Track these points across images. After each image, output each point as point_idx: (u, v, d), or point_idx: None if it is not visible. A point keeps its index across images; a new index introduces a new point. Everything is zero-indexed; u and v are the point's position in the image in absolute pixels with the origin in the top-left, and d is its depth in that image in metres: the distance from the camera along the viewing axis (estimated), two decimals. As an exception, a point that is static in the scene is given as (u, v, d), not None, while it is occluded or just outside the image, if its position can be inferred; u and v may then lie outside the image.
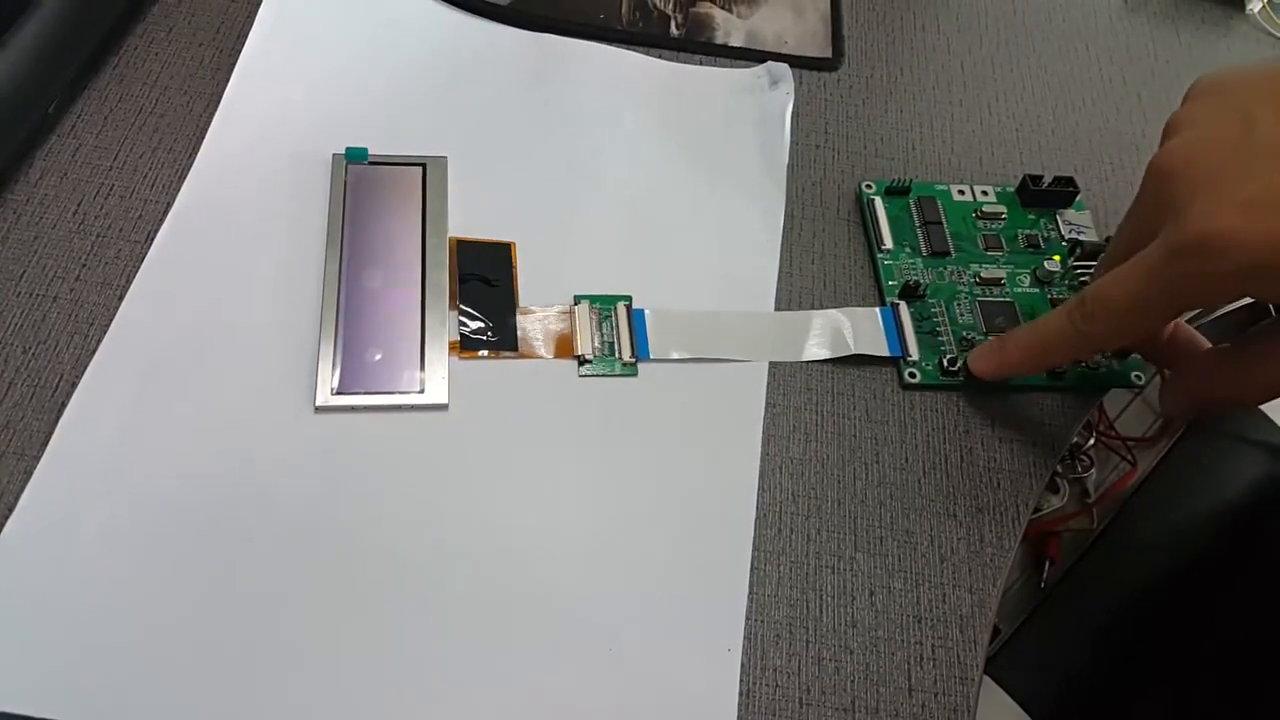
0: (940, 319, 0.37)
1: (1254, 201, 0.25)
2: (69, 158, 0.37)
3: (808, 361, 0.36)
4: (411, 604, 0.30)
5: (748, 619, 0.31)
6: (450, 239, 0.36)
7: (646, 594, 0.31)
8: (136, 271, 0.34)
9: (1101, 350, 0.36)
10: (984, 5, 0.48)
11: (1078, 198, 0.40)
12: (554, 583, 0.31)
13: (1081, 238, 0.39)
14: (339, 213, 0.36)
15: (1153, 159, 0.29)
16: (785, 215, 0.39)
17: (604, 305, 0.35)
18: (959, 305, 0.37)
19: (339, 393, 0.32)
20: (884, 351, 0.36)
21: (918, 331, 0.36)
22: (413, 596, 0.30)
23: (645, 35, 0.43)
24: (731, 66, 0.43)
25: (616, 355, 0.34)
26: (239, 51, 0.39)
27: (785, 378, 0.35)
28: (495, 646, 0.29)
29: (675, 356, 0.35)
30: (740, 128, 0.41)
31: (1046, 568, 0.44)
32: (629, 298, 0.36)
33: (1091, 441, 0.46)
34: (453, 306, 0.35)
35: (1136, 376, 0.37)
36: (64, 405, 0.32)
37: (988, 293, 0.37)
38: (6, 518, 0.30)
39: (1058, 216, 0.40)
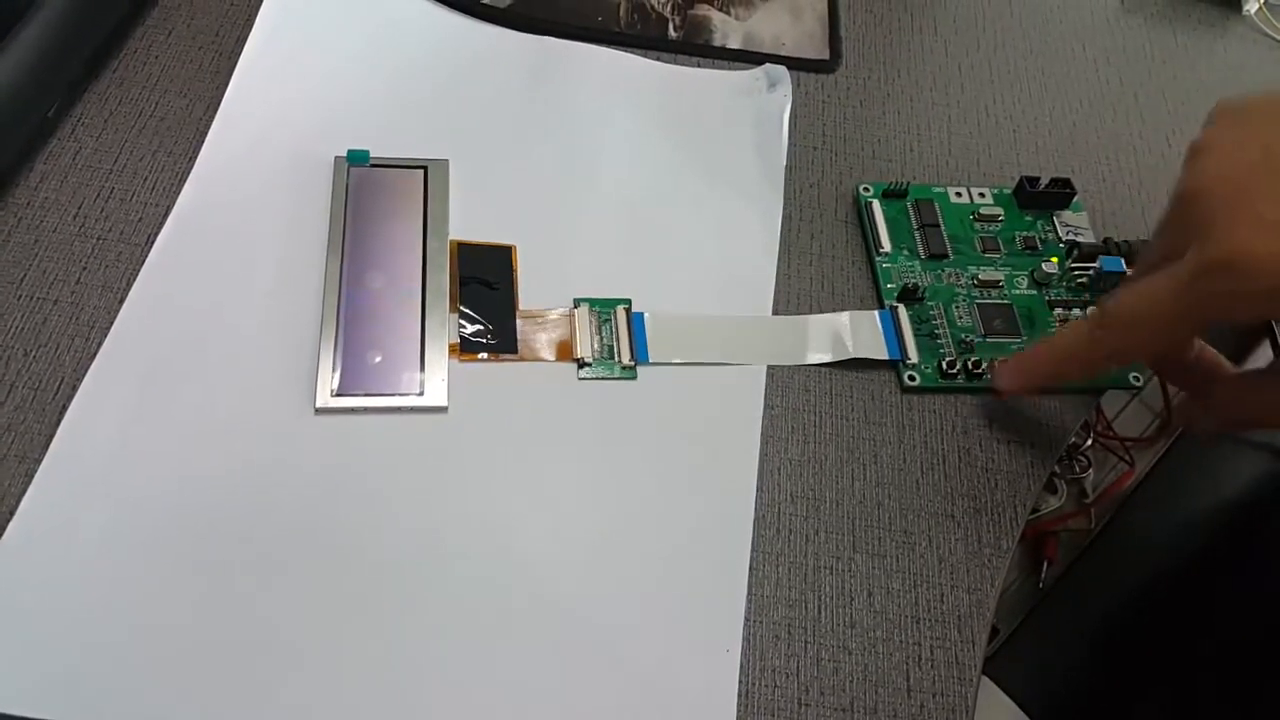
0: (939, 321, 0.37)
1: None
2: (69, 161, 0.37)
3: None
4: (410, 605, 0.30)
5: (746, 620, 0.31)
6: (451, 242, 0.36)
7: (645, 595, 0.31)
8: (137, 274, 0.34)
9: (1119, 364, 0.36)
10: (981, 7, 0.48)
11: (1075, 199, 0.40)
12: (553, 584, 0.31)
13: (1079, 239, 0.39)
14: (340, 215, 0.36)
15: (1179, 181, 0.29)
16: (783, 217, 0.39)
17: (603, 309, 0.36)
18: (957, 307, 0.37)
19: (339, 394, 0.33)
20: (883, 355, 0.36)
21: (916, 334, 0.36)
22: (412, 597, 0.30)
23: (643, 37, 0.43)
24: (729, 69, 0.43)
25: (616, 358, 0.35)
26: (239, 54, 0.39)
27: (784, 379, 0.35)
28: (494, 648, 0.30)
29: (674, 360, 0.35)
30: (738, 130, 0.41)
31: (1045, 568, 0.44)
32: (628, 301, 0.36)
33: (1089, 442, 0.46)
34: (453, 309, 0.35)
35: (1134, 378, 0.37)
36: (65, 408, 0.32)
37: (986, 295, 0.38)
38: (8, 521, 0.30)
39: (1055, 218, 0.40)
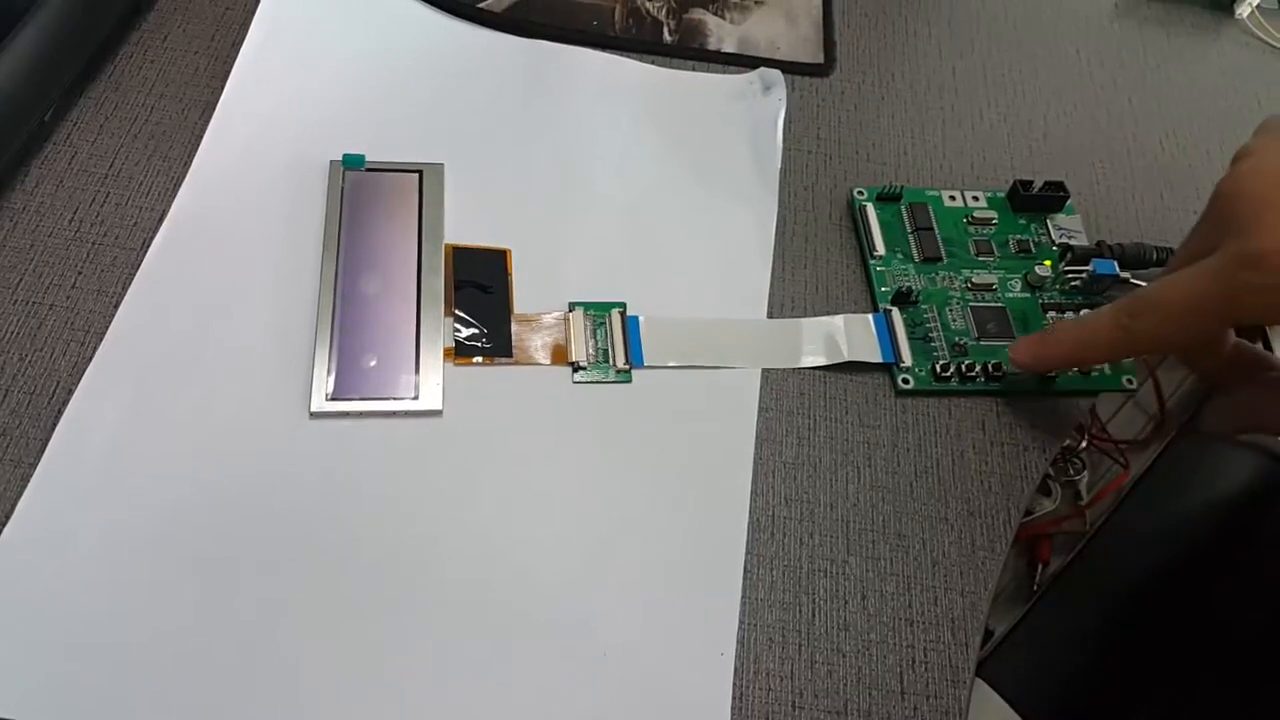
0: (933, 325, 0.37)
1: None
2: (65, 165, 0.37)
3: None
4: (405, 608, 0.30)
5: (741, 623, 0.31)
6: (446, 245, 0.36)
7: (640, 599, 0.31)
8: (132, 279, 0.34)
9: (1143, 353, 0.36)
10: (975, 10, 0.48)
11: (1068, 202, 0.40)
12: (547, 587, 0.31)
13: (1072, 242, 0.39)
14: (336, 219, 0.36)
15: (1221, 182, 0.30)
16: (778, 221, 0.39)
17: (598, 312, 0.36)
18: (951, 311, 0.37)
19: (334, 398, 0.33)
20: (877, 358, 0.36)
21: (910, 337, 0.36)
22: (406, 601, 0.30)
23: (638, 41, 0.44)
24: (724, 72, 0.43)
25: (610, 362, 0.35)
26: (235, 59, 0.39)
27: (778, 382, 0.36)
28: (489, 651, 0.30)
29: (669, 364, 0.35)
30: (733, 133, 0.41)
31: (1039, 570, 0.44)
32: (623, 305, 0.36)
33: (1084, 444, 0.46)
34: (448, 313, 0.35)
35: (1128, 381, 0.37)
36: (60, 413, 0.32)
37: (979, 298, 0.38)
38: (3, 525, 0.30)
39: (1048, 221, 0.40)
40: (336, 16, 0.42)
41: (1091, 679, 0.40)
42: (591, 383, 0.34)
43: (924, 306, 0.37)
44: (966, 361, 0.36)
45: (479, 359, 0.34)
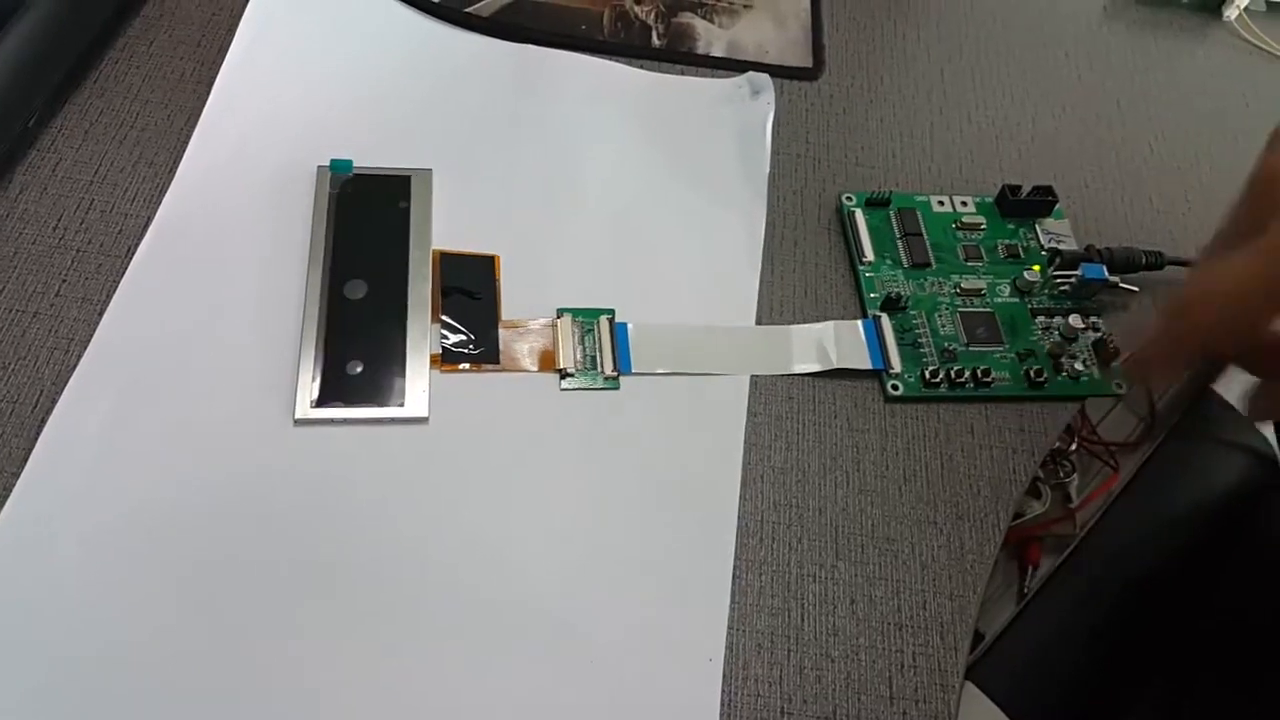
0: (922, 330, 0.37)
1: None
2: (49, 172, 0.37)
3: (789, 372, 0.36)
4: (392, 616, 0.30)
5: (729, 628, 0.31)
6: (433, 251, 0.36)
7: (628, 605, 0.31)
8: (117, 286, 0.34)
9: (1194, 349, 0.33)
10: (964, 14, 0.48)
11: (1056, 206, 0.40)
12: (535, 594, 0.31)
13: (1061, 246, 0.39)
14: (322, 225, 0.36)
15: (1257, 165, 0.29)
16: (766, 226, 0.39)
17: (586, 319, 0.35)
18: (940, 316, 0.37)
19: (319, 405, 0.32)
20: (867, 365, 0.36)
21: (900, 343, 0.36)
22: (393, 609, 0.30)
23: (627, 46, 0.43)
24: (713, 76, 0.43)
25: (599, 369, 0.35)
26: (220, 64, 0.39)
27: (767, 387, 0.36)
28: (477, 659, 0.29)
29: (657, 370, 0.35)
30: (721, 138, 0.41)
31: (1029, 573, 0.44)
32: (611, 311, 0.36)
33: (1074, 447, 0.46)
34: (435, 319, 0.35)
35: (1117, 385, 0.37)
36: (44, 421, 0.31)
37: (969, 303, 0.38)
38: (-13, 535, 0.30)
39: (1037, 226, 0.40)
40: (323, 21, 0.41)
41: (1083, 681, 0.40)
42: (579, 389, 0.34)
43: (913, 312, 0.37)
44: (956, 367, 0.36)
45: (466, 366, 0.34)
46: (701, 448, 0.34)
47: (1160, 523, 0.44)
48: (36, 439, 0.31)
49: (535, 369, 0.34)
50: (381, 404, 0.33)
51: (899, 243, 0.39)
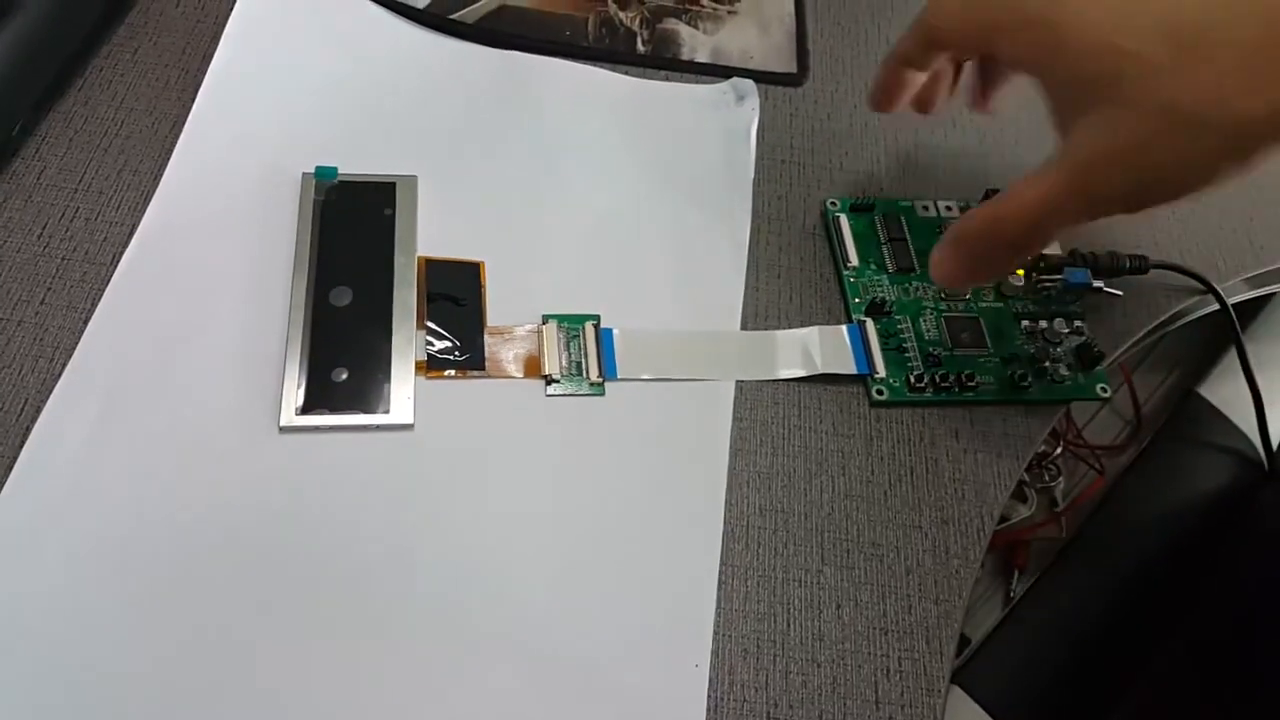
0: (906, 335, 0.37)
1: None
2: (33, 180, 0.37)
3: (775, 377, 0.36)
4: (377, 623, 0.30)
5: (715, 634, 0.31)
6: (419, 258, 0.36)
7: (613, 611, 0.31)
8: (102, 294, 0.34)
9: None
10: (948, 20, 0.48)
11: (1040, 211, 0.40)
12: (520, 601, 0.31)
13: (1045, 251, 0.39)
14: (308, 232, 0.36)
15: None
16: (751, 231, 0.39)
17: (572, 324, 0.36)
18: (924, 321, 0.37)
19: (304, 412, 0.32)
20: (851, 370, 0.36)
21: (884, 348, 0.36)
22: (378, 616, 0.30)
23: (612, 52, 0.44)
24: (697, 82, 0.43)
25: (584, 374, 0.35)
26: (205, 72, 0.39)
27: (752, 392, 0.36)
28: (462, 665, 0.29)
29: (643, 376, 0.35)
30: (706, 143, 0.41)
31: (1015, 577, 0.44)
32: (597, 317, 0.36)
33: (1059, 450, 0.46)
34: (420, 326, 0.35)
35: (1101, 389, 0.37)
36: (28, 430, 0.31)
37: (953, 308, 0.38)
38: (-30, 545, 0.29)
39: (1021, 229, 0.40)
40: (308, 29, 0.41)
41: (1069, 684, 0.41)
42: (565, 395, 0.34)
43: (898, 317, 0.37)
44: (940, 372, 0.36)
45: (451, 372, 0.34)
46: (687, 453, 0.34)
47: (1145, 529, 0.45)
48: (21, 447, 0.31)
49: (521, 375, 0.34)
50: (367, 411, 0.33)
51: (883, 248, 0.39)
